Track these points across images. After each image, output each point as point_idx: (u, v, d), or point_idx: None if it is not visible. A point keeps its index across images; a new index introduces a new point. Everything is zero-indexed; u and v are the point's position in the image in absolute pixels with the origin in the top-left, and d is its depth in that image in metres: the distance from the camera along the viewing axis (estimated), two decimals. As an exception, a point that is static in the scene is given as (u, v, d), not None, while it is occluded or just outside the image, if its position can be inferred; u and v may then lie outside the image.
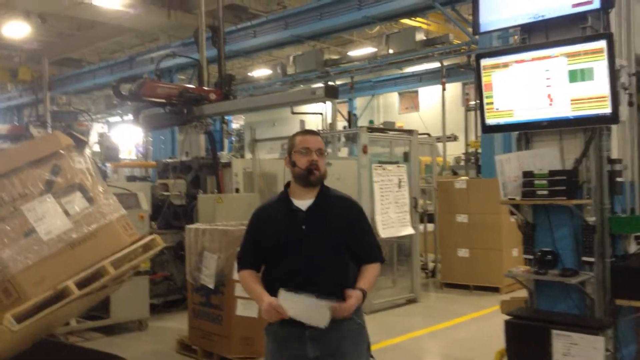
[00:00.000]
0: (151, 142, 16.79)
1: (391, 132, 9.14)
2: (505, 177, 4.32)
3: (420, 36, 13.67)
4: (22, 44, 19.05)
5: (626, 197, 4.22)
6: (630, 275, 3.97)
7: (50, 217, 3.65)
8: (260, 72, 21.37)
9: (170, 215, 8.06)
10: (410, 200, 7.88)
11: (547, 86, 4.02)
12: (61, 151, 3.82)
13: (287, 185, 2.92)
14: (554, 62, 3.97)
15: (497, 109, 4.30)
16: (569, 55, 3.90)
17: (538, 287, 4.30)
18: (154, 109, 9.14)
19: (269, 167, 8.88)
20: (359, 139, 7.51)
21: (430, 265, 9.92)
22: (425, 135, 12.09)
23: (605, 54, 3.74)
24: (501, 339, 4.16)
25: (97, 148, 13.22)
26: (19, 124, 19.59)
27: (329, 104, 14.37)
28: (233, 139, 21.68)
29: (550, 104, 4.02)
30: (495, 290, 8.32)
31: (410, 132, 8.37)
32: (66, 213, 3.70)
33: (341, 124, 16.60)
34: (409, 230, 7.80)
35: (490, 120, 4.36)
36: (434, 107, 20.27)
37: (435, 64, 15.94)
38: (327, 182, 2.93)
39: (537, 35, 4.22)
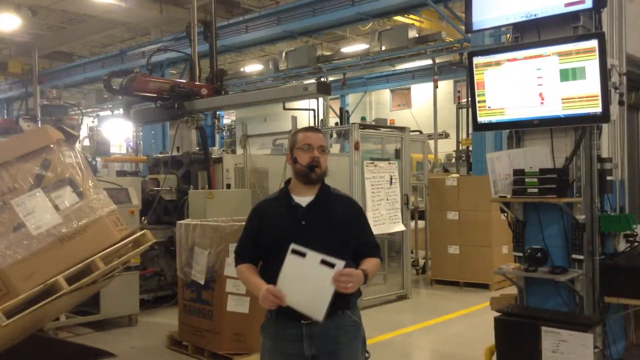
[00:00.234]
0: (142, 136, 16.71)
1: (383, 129, 9.15)
2: (496, 175, 4.34)
3: (412, 33, 13.66)
4: (12, 36, 18.91)
5: (616, 196, 4.25)
6: (619, 273, 4.01)
7: (39, 212, 3.63)
8: (252, 68, 21.32)
9: (161, 211, 8.04)
10: (401, 197, 7.90)
11: (539, 85, 4.03)
12: (51, 145, 3.81)
13: (288, 181, 2.92)
14: (546, 61, 3.98)
15: (488, 107, 4.31)
16: (561, 55, 3.91)
17: (528, 285, 4.33)
18: (145, 104, 9.10)
19: (260, 163, 8.86)
20: (350, 136, 7.51)
21: (421, 262, 9.96)
22: (417, 133, 12.10)
23: (596, 54, 3.76)
24: (491, 335, 4.18)
25: (87, 142, 13.14)
26: (8, 117, 19.44)
27: (321, 100, 14.35)
28: (224, 134, 21.64)
29: (542, 103, 4.04)
30: (485, 287, 8.37)
31: (402, 129, 8.38)
32: (56, 208, 3.68)
33: (333, 120, 16.59)
34: (400, 227, 7.82)
35: (482, 118, 4.37)
36: (425, 104, 20.29)
37: (428, 62, 15.96)
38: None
39: (529, 34, 4.23)
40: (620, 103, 4.04)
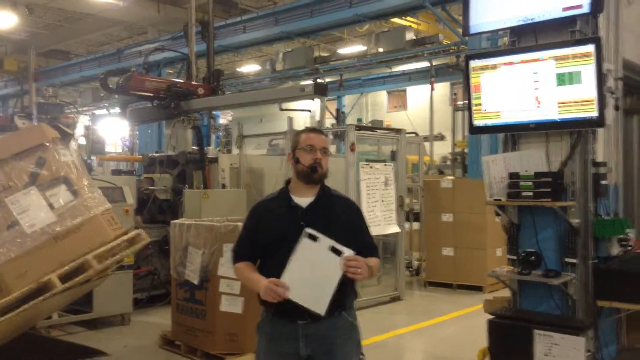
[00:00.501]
0: (138, 135, 16.68)
1: (379, 131, 9.17)
2: (491, 178, 4.35)
3: (410, 35, 13.69)
4: (8, 34, 18.83)
5: (610, 200, 4.27)
6: (612, 277, 4.02)
7: (34, 210, 3.62)
8: (249, 68, 21.30)
9: (156, 210, 8.02)
10: (396, 198, 7.91)
11: (535, 89, 4.05)
12: (46, 143, 3.79)
13: (288, 182, 2.92)
14: (543, 65, 3.99)
15: (485, 110, 4.32)
16: (557, 59, 3.93)
17: (521, 287, 4.34)
18: (141, 103, 9.08)
19: (256, 163, 8.85)
20: (346, 137, 7.51)
21: (415, 263, 9.96)
22: (413, 134, 12.12)
23: (593, 58, 3.78)
24: (484, 338, 4.19)
25: (83, 141, 13.11)
26: (4, 114, 19.38)
27: (317, 101, 14.35)
28: (220, 134, 21.61)
29: (538, 107, 4.05)
30: (478, 289, 8.37)
31: (398, 130, 8.39)
32: (50, 206, 3.67)
33: (329, 121, 16.59)
34: (394, 229, 7.83)
35: (477, 121, 4.38)
36: (422, 106, 20.33)
37: (424, 64, 15.98)
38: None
39: (526, 38, 4.25)
40: (616, 108, 4.06)
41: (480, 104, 4.33)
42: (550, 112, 4.00)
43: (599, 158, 4.12)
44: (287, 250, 2.64)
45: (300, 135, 2.88)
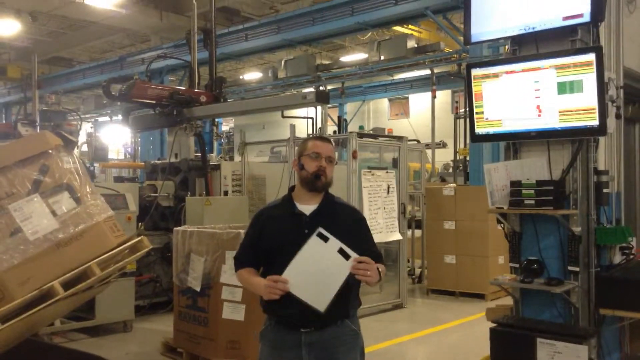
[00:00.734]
0: (140, 142, 16.72)
1: (381, 138, 9.18)
2: (493, 186, 4.35)
3: (411, 43, 13.74)
4: (12, 41, 18.93)
5: (612, 208, 4.27)
6: (615, 285, 4.01)
7: (37, 217, 3.62)
8: (252, 76, 21.37)
9: (158, 217, 8.03)
10: (398, 206, 7.91)
11: (536, 97, 4.05)
12: (50, 151, 3.80)
13: (292, 188, 2.93)
14: (544, 73, 4.00)
15: (486, 119, 4.33)
16: (558, 68, 3.93)
17: (523, 296, 4.33)
18: (143, 110, 9.11)
19: (258, 170, 8.87)
20: (348, 144, 7.53)
21: (417, 271, 9.95)
22: (415, 142, 12.13)
23: (594, 67, 3.78)
24: (486, 346, 4.18)
25: (85, 148, 13.14)
26: (7, 122, 19.43)
27: (319, 108, 14.39)
28: (222, 141, 21.66)
29: (539, 115, 4.06)
30: (481, 297, 8.37)
31: (400, 138, 8.40)
32: (53, 213, 3.67)
33: (331, 128, 16.62)
34: (396, 236, 7.83)
35: (479, 130, 4.39)
36: (423, 113, 20.35)
37: (426, 71, 16.02)
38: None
39: (527, 46, 4.26)
40: (617, 116, 4.06)
41: (482, 112, 4.34)
42: (552, 121, 4.01)
43: (601, 166, 4.13)
44: (290, 257, 2.64)
45: (307, 142, 2.90)
